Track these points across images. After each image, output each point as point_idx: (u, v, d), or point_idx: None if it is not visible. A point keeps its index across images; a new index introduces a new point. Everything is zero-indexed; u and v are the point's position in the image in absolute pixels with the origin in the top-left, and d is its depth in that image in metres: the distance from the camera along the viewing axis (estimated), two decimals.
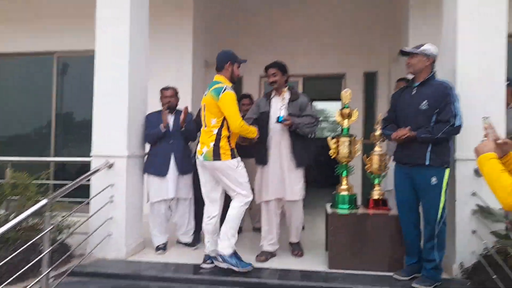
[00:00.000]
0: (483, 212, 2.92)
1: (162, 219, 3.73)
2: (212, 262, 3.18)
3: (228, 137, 3.12)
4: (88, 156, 3.66)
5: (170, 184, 3.67)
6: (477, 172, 2.99)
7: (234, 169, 3.09)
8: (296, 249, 3.52)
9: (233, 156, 3.11)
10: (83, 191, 3.57)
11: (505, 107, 3.07)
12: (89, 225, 3.49)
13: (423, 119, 2.81)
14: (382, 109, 5.50)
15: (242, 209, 3.13)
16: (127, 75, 3.56)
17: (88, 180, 3.50)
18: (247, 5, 6.22)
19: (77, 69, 5.69)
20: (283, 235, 3.63)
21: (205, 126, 3.18)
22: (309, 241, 3.96)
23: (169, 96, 3.80)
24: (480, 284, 2.75)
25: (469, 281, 2.84)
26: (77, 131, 5.66)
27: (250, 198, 3.14)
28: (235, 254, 3.09)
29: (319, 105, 12.72)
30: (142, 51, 3.83)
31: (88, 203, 3.50)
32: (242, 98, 4.42)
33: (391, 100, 3.23)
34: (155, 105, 3.93)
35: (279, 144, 3.42)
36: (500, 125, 2.94)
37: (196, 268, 3.21)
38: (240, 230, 4.49)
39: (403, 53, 2.96)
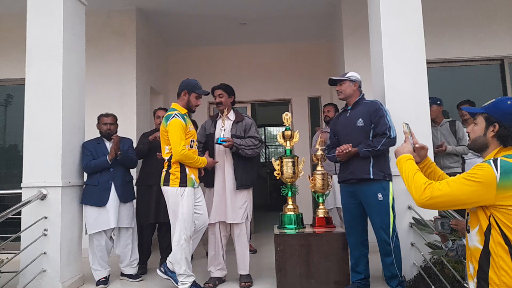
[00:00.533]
0: (418, 224, 3.06)
1: (103, 251, 3.51)
2: None
3: (182, 165, 3.09)
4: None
5: (111, 213, 3.49)
6: None
7: (177, 196, 3.05)
8: (244, 280, 3.34)
9: (182, 184, 3.06)
10: (17, 228, 3.30)
11: (429, 124, 3.32)
12: (21, 263, 3.21)
13: (362, 135, 2.96)
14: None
15: (184, 248, 3.05)
16: (61, 101, 3.43)
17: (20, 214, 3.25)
18: (191, 36, 6.30)
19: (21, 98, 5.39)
20: (232, 265, 3.53)
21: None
22: (262, 264, 3.90)
23: (109, 123, 3.69)
24: None
25: None
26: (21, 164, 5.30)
27: (189, 235, 3.07)
28: (196, 285, 3.10)
29: (270, 130, 12.95)
30: (78, 78, 3.72)
31: (19, 239, 3.23)
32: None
33: (330, 127, 3.38)
34: (96, 132, 3.80)
35: (223, 166, 3.41)
36: (427, 141, 3.15)
37: None
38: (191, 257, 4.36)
39: (331, 82, 3.18)
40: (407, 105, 3.26)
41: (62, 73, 3.45)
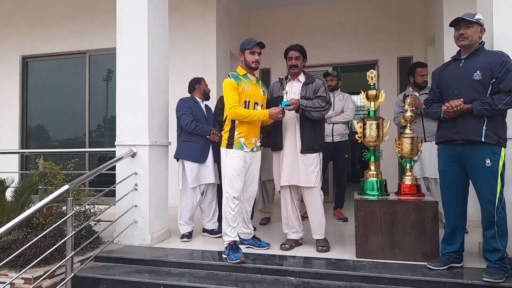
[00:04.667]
0: None
1: (194, 205, 3.72)
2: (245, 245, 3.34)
3: (232, 128, 3.13)
4: None
5: (210, 170, 3.71)
6: None
7: (224, 156, 3.14)
8: (321, 244, 3.25)
9: (228, 146, 3.12)
10: (112, 184, 3.63)
11: None
12: (116, 214, 3.54)
13: (477, 91, 2.55)
14: None
15: (227, 206, 3.09)
16: (147, 64, 3.58)
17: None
18: None
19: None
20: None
21: None
22: (344, 231, 3.79)
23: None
24: None
25: None
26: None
27: (232, 195, 3.07)
28: (230, 246, 3.04)
29: (355, 100, 12.25)
30: (162, 42, 3.84)
31: (114, 194, 3.55)
32: None
33: (432, 78, 2.97)
34: (180, 92, 3.97)
35: (295, 128, 3.28)
36: None
37: (219, 255, 3.15)
38: (268, 221, 4.43)
39: (454, 23, 2.69)
40: None
41: (147, 37, 3.59)
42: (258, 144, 3.27)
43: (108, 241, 3.47)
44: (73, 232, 2.80)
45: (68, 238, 2.76)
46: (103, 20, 5.61)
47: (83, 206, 3.31)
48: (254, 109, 3.16)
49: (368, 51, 6.21)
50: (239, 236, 3.24)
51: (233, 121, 3.14)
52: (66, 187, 2.81)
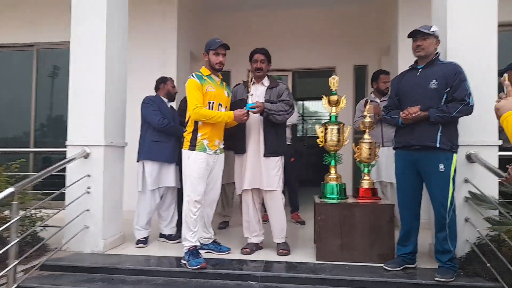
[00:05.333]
0: (475, 199, 2.81)
1: (153, 209, 3.58)
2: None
3: (195, 129, 3.04)
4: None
5: (171, 172, 3.58)
6: (469, 158, 2.88)
7: (185, 159, 3.04)
8: (281, 248, 3.24)
9: (191, 148, 3.02)
10: (61, 186, 3.39)
11: (497, 92, 2.97)
12: (65, 219, 3.31)
13: (433, 98, 2.67)
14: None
15: (188, 210, 2.99)
16: (104, 60, 3.40)
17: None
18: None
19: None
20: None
21: None
22: (302, 235, 3.82)
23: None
24: (474, 273, 2.63)
25: (462, 271, 2.71)
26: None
27: (194, 198, 2.97)
28: (190, 251, 2.94)
29: (308, 106, 12.52)
30: (121, 38, 3.68)
31: (62, 198, 3.32)
32: None
33: (391, 86, 3.08)
34: (138, 91, 3.82)
35: (258, 132, 3.26)
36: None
37: (177, 261, 3.04)
38: (227, 225, 4.37)
39: (411, 35, 2.81)
40: (472, 72, 2.90)
41: (105, 31, 3.41)
42: (222, 146, 3.21)
43: (56, 248, 3.24)
44: (18, 239, 2.57)
45: (11, 246, 2.53)
46: (54, 11, 5.26)
47: (29, 211, 3.06)
48: (218, 110, 3.10)
49: (326, 58, 6.37)
50: (199, 241, 3.15)
51: (196, 122, 3.06)
52: (11, 189, 2.58)
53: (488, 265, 2.51)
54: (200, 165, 3.01)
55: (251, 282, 2.72)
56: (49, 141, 5.50)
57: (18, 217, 2.58)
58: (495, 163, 2.83)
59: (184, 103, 4.02)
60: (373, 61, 6.14)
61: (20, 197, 3.02)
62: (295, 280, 2.71)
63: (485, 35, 2.96)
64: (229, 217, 4.43)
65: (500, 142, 2.91)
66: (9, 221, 2.96)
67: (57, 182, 3.53)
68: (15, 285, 2.54)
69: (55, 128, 5.51)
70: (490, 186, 2.83)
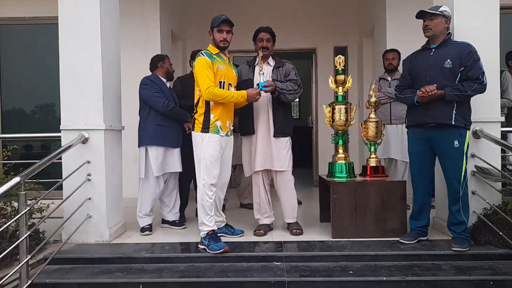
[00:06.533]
0: (483, 172, 2.97)
1: (157, 195, 3.42)
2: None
3: (207, 110, 2.91)
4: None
5: (176, 157, 3.43)
6: (475, 134, 3.03)
7: (199, 142, 2.91)
8: (294, 228, 3.24)
9: (204, 130, 2.89)
10: (52, 174, 3.12)
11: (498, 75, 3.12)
12: (64, 209, 3.07)
13: (447, 78, 2.75)
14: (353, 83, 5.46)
15: (204, 194, 2.89)
16: (100, 37, 3.14)
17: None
18: None
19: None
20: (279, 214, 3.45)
21: None
22: (302, 215, 3.83)
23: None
24: (485, 241, 2.81)
25: (472, 241, 2.87)
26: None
27: (209, 182, 2.88)
28: (209, 236, 2.86)
29: None
30: (113, 13, 3.42)
31: (58, 187, 3.06)
32: None
33: (403, 65, 3.13)
34: (123, 75, 3.59)
35: (268, 112, 3.21)
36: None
37: (193, 246, 2.95)
38: (223, 208, 4.29)
39: (420, 15, 2.86)
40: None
41: (99, 6, 3.13)
42: (232, 128, 3.11)
43: (56, 240, 3.02)
44: (28, 232, 2.35)
45: (22, 240, 2.30)
46: None
47: (38, 201, 2.80)
48: (229, 90, 3.00)
49: (307, 39, 6.35)
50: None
51: (208, 103, 2.93)
52: (17, 179, 2.34)
53: (500, 233, 2.68)
54: (214, 147, 2.91)
55: (276, 263, 2.70)
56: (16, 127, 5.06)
57: (27, 209, 2.35)
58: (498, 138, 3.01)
59: (179, 83, 3.85)
60: (353, 43, 6.24)
61: (17, 188, 2.77)
62: (320, 259, 2.73)
63: (488, 15, 3.07)
64: (226, 200, 4.36)
65: (502, 119, 3.09)
66: (11, 214, 2.73)
67: (48, 171, 3.25)
68: (29, 282, 2.33)
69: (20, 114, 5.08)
70: (494, 160, 3.00)
